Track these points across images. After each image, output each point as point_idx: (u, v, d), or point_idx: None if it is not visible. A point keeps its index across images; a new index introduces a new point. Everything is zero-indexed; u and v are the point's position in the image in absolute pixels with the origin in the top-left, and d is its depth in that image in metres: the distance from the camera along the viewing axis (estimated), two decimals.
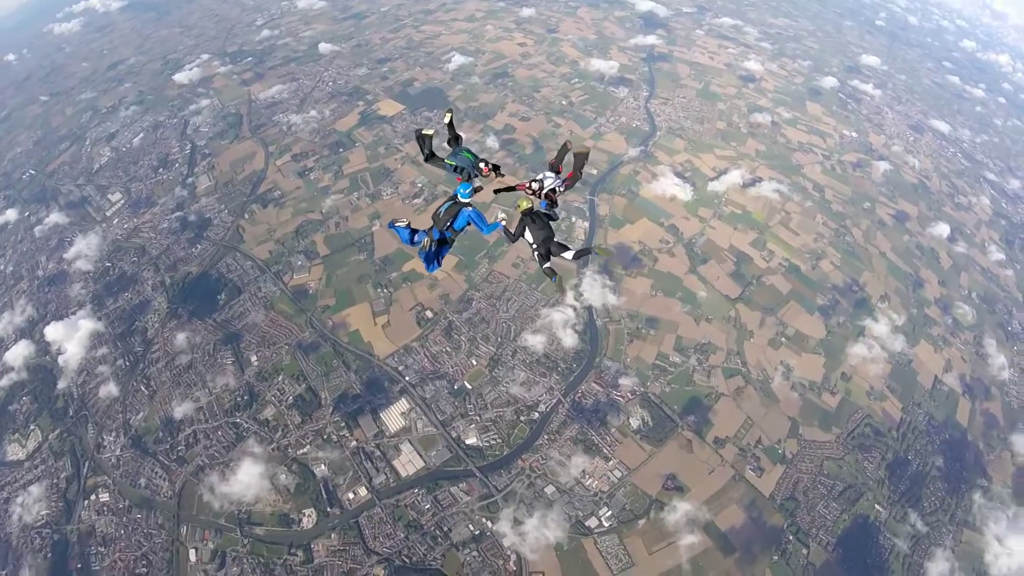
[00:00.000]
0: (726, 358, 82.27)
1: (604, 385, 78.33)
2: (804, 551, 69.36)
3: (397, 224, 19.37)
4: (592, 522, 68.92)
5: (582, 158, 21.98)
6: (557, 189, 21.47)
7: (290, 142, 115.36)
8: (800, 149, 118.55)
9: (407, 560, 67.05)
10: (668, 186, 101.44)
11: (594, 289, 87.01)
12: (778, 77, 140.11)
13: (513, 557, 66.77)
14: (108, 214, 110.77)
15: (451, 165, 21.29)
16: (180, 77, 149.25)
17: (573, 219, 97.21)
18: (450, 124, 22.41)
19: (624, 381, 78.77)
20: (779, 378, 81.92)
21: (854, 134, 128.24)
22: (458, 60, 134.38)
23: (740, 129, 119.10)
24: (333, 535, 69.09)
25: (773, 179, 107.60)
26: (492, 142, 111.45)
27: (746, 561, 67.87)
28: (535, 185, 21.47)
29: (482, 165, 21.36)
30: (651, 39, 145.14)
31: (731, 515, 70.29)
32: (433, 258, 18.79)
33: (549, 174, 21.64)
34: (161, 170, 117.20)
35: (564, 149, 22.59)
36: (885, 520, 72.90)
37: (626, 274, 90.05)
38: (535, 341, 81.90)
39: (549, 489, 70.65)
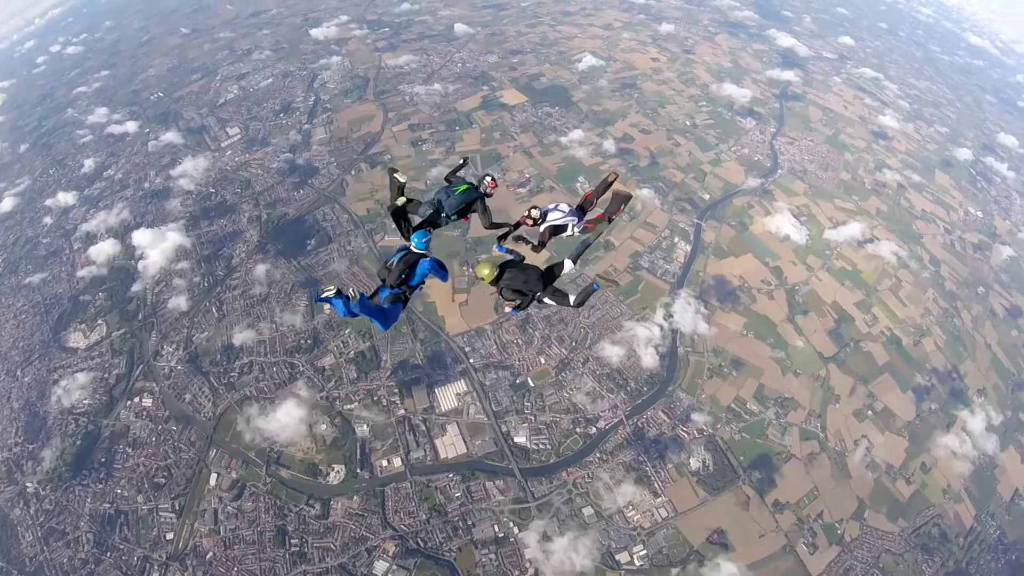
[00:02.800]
0: (806, 419, 72.89)
1: (672, 416, 70.36)
2: None
3: (325, 295, 14.80)
4: (623, 557, 61.73)
5: (620, 200, 17.72)
6: (569, 228, 17.20)
7: (410, 112, 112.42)
8: (923, 218, 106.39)
9: (421, 543, 62.28)
10: (783, 224, 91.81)
11: (686, 313, 78.84)
12: (911, 140, 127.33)
13: (531, 571, 60.49)
14: (223, 145, 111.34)
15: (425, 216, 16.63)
16: (317, 33, 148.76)
17: (676, 239, 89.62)
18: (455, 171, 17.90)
19: (694, 417, 70.59)
20: (857, 453, 71.95)
21: (979, 214, 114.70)
22: (588, 61, 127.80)
23: (864, 184, 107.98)
24: (355, 498, 64.82)
25: (891, 241, 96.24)
26: (609, 145, 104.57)
27: None
28: (535, 212, 16.94)
29: (488, 179, 17.07)
30: (787, 75, 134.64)
31: None
32: (381, 314, 15.27)
33: (563, 206, 17.33)
34: (282, 115, 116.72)
35: (606, 183, 18.01)
36: None
37: (720, 307, 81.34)
38: (612, 352, 74.62)
39: (587, 511, 63.76)
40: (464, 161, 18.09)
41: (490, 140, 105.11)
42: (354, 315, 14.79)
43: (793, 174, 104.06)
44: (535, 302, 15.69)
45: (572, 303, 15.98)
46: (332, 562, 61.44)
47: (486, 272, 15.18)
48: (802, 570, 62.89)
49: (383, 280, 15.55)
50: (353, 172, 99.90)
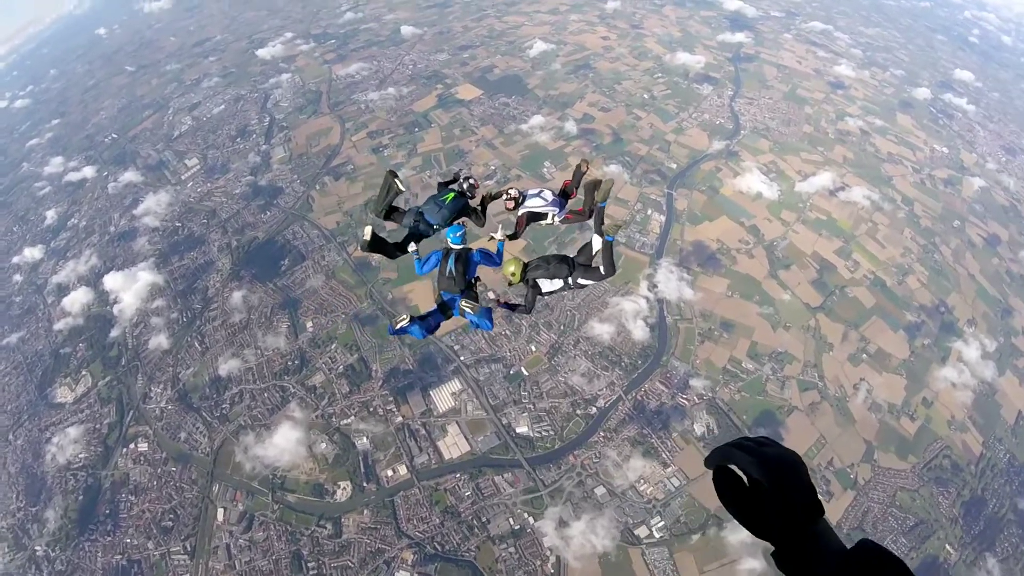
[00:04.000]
0: (803, 370, 73.33)
1: (670, 386, 70.37)
2: None
3: (399, 326, 13.63)
4: (642, 531, 61.57)
5: (592, 190, 15.39)
6: (549, 217, 15.68)
7: (367, 120, 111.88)
8: (890, 160, 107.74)
9: (439, 548, 61.53)
10: (754, 183, 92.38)
11: (669, 282, 78.88)
12: (868, 86, 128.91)
13: (552, 559, 60.05)
14: (183, 177, 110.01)
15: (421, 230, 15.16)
16: (263, 53, 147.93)
17: (649, 211, 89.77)
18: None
19: (692, 383, 70.63)
20: (857, 397, 72.56)
21: (945, 150, 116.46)
22: (540, 47, 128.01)
23: (828, 134, 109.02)
24: (366, 511, 64.01)
25: (861, 187, 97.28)
26: (571, 127, 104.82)
27: None
28: (513, 192, 15.63)
29: (471, 182, 15.93)
30: (739, 37, 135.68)
31: None
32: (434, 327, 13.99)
33: (547, 193, 15.70)
34: (239, 139, 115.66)
35: (579, 171, 16.29)
36: (955, 563, 63.67)
37: (702, 272, 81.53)
38: (602, 330, 74.41)
39: (599, 490, 63.47)
40: (455, 176, 16.51)
41: (451, 137, 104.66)
42: (433, 332, 14.08)
43: (756, 133, 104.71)
44: (570, 289, 14.82)
45: (603, 273, 14.69)
46: None
47: (512, 270, 14.30)
48: None
49: (450, 290, 14.10)
50: (318, 187, 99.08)
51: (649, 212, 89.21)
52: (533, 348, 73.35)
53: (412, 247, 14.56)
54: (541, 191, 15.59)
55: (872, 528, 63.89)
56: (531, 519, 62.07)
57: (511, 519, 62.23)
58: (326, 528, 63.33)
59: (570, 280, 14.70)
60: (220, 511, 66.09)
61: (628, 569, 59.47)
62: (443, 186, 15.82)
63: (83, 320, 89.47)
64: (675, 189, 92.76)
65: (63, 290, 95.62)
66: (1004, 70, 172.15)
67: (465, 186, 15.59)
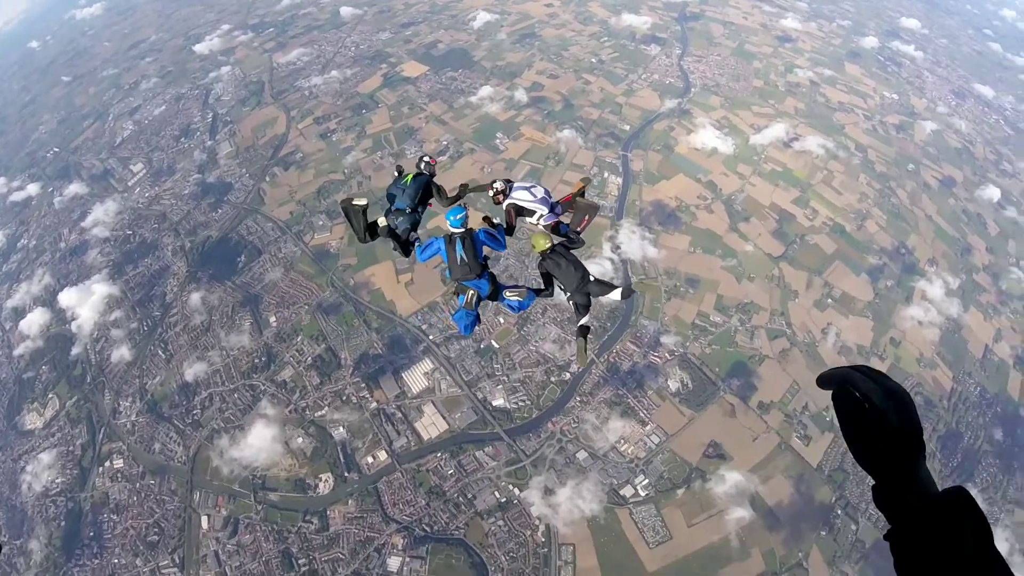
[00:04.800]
0: (770, 319, 74.63)
1: (641, 345, 71.09)
2: (853, 527, 62.27)
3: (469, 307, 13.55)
4: (627, 491, 62.38)
5: (583, 212, 15.08)
6: (536, 216, 14.70)
7: (312, 106, 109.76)
8: (841, 109, 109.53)
9: (428, 529, 61.58)
10: (708, 138, 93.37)
11: (632, 242, 79.35)
12: (815, 38, 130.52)
13: (542, 527, 60.66)
14: (130, 184, 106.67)
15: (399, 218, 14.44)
16: (201, 48, 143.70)
17: (606, 174, 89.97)
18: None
19: (663, 340, 71.46)
20: (827, 341, 74.16)
21: (895, 96, 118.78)
22: (483, 17, 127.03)
23: (778, 87, 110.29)
24: (350, 501, 63.65)
25: (815, 136, 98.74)
26: (520, 95, 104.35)
27: (792, 536, 61.01)
28: (499, 185, 14.71)
29: (427, 159, 15.45)
30: None
31: (776, 486, 63.12)
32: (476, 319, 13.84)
33: (538, 190, 14.74)
34: (183, 139, 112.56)
35: (578, 192, 15.75)
36: None
37: (663, 230, 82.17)
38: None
39: (581, 455, 64.06)
40: (399, 169, 15.97)
41: (400, 116, 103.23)
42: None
43: (707, 90, 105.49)
44: (581, 284, 13.85)
45: (618, 297, 14.36)
46: (345, 571, 60.23)
47: (543, 242, 13.53)
48: (801, 462, 64.70)
49: (466, 277, 13.52)
50: (267, 179, 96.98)
51: (606, 175, 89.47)
52: (501, 320, 73.31)
53: (412, 235, 14.31)
54: (533, 186, 14.78)
55: (853, 467, 64.75)
56: (516, 490, 62.42)
57: (496, 492, 62.47)
58: (312, 523, 62.78)
59: (568, 294, 14.22)
60: (204, 519, 65.09)
61: (617, 529, 60.25)
62: (400, 173, 15.52)
63: (43, 342, 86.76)
64: (630, 151, 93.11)
65: (19, 314, 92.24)
66: (950, 17, 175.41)
67: (422, 165, 15.26)
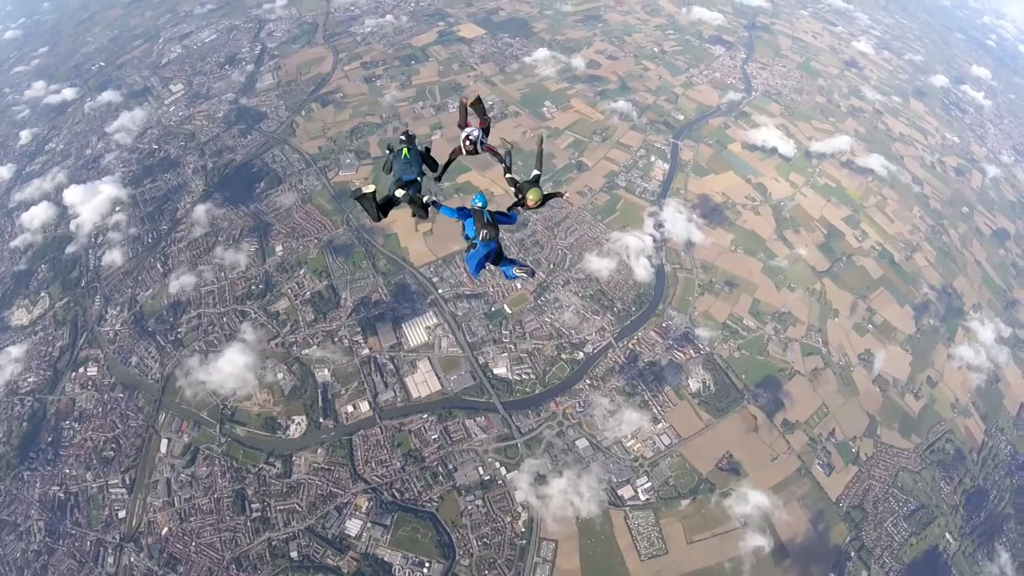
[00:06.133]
0: (806, 333, 65.75)
1: (665, 336, 61.95)
2: (864, 573, 53.91)
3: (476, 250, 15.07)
4: (626, 491, 53.80)
5: (466, 108, 17.34)
6: (482, 139, 16.51)
7: (362, 51, 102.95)
8: (901, 140, 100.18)
9: (397, 495, 53.64)
10: (771, 137, 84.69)
11: (677, 221, 70.23)
12: (882, 69, 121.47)
13: (524, 516, 52.27)
14: (166, 102, 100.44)
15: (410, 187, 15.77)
16: None
17: (653, 158, 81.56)
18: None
19: (689, 336, 62.44)
20: (862, 368, 64.90)
21: (956, 139, 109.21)
22: None
23: (840, 107, 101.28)
24: (320, 450, 55.92)
25: (879, 156, 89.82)
26: (578, 62, 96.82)
27: (798, 573, 52.41)
28: (470, 141, 16.29)
29: (409, 131, 17.80)
30: (757, 1, 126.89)
31: (790, 515, 54.35)
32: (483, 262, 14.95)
33: (468, 128, 16.47)
34: (227, 67, 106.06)
35: (463, 107, 17.46)
36: (954, 554, 56.99)
37: (706, 224, 73.21)
38: (600, 266, 66.09)
39: (582, 443, 55.58)
40: (390, 149, 16.95)
41: (448, 72, 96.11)
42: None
43: (768, 96, 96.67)
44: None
45: (538, 170, 16.87)
46: (299, 525, 52.46)
47: (537, 196, 15.47)
48: (820, 493, 55.94)
49: (488, 238, 14.96)
50: (303, 113, 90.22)
51: (653, 159, 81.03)
52: (519, 286, 64.72)
53: (427, 198, 15.61)
54: (467, 130, 16.48)
55: (873, 507, 56.81)
56: (503, 470, 54.08)
57: (481, 468, 54.28)
58: (275, 466, 55.22)
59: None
60: (164, 442, 58.24)
61: (608, 532, 51.87)
62: (390, 151, 16.65)
63: (42, 237, 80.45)
64: (681, 140, 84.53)
65: (25, 207, 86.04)
66: (1019, 76, 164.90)
67: (404, 137, 16.83)
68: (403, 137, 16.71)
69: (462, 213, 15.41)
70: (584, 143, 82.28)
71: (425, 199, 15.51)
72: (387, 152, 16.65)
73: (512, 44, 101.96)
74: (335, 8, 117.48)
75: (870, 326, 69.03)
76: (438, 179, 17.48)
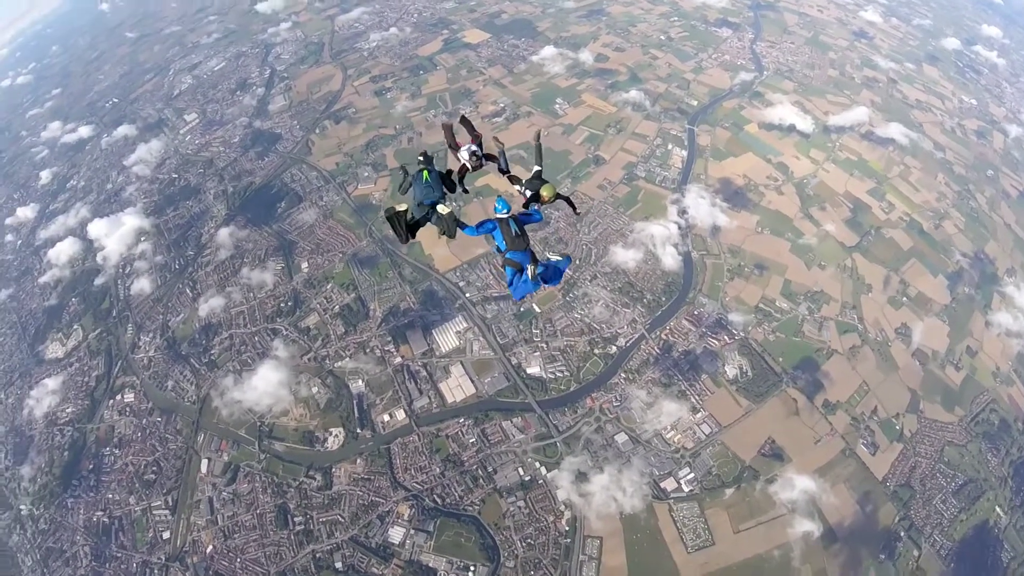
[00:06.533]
0: (841, 311, 63.57)
1: (697, 324, 60.24)
2: (915, 552, 52.00)
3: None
4: (669, 484, 52.26)
5: (451, 129, 17.56)
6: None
7: (370, 65, 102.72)
8: (918, 107, 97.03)
9: (439, 500, 52.78)
10: (781, 119, 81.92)
11: (700, 207, 68.45)
12: (892, 37, 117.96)
13: (567, 515, 51.02)
14: (181, 132, 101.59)
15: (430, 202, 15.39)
16: (263, 7, 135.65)
17: (670, 146, 79.65)
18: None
19: (723, 322, 60.61)
20: (899, 342, 62.70)
21: (973, 102, 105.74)
22: None
23: (854, 79, 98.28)
24: (359, 461, 55.25)
25: (899, 125, 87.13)
26: (586, 56, 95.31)
27: (848, 556, 50.71)
28: (476, 157, 16.42)
29: (427, 152, 16.90)
30: None
31: (837, 497, 52.43)
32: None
33: (467, 146, 16.56)
34: (238, 93, 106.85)
35: (448, 129, 17.60)
36: (1005, 528, 54.99)
37: (729, 207, 71.21)
38: (626, 257, 64.57)
39: (621, 438, 54.20)
40: (405, 171, 16.78)
41: (457, 78, 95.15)
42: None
43: (780, 74, 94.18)
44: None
45: (539, 166, 16.83)
46: (342, 536, 51.86)
47: (551, 192, 15.51)
48: (866, 473, 53.95)
49: (519, 248, 14.64)
50: (317, 131, 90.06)
51: (670, 147, 79.13)
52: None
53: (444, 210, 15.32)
54: (468, 148, 16.60)
55: (920, 485, 54.79)
56: (543, 469, 52.93)
57: (521, 469, 53.15)
58: (315, 479, 54.74)
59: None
60: (204, 462, 58.20)
61: (653, 526, 50.46)
62: (406, 174, 16.57)
63: (70, 272, 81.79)
64: (696, 125, 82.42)
65: (51, 244, 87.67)
66: None
67: (421, 159, 16.51)
68: (421, 158, 16.48)
69: (484, 227, 15.15)
70: (599, 137, 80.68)
71: (452, 220, 15.13)
72: (402, 172, 16.75)
73: (518, 45, 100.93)
74: (339, 26, 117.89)
75: (904, 299, 66.65)
76: (465, 191, 17.28)
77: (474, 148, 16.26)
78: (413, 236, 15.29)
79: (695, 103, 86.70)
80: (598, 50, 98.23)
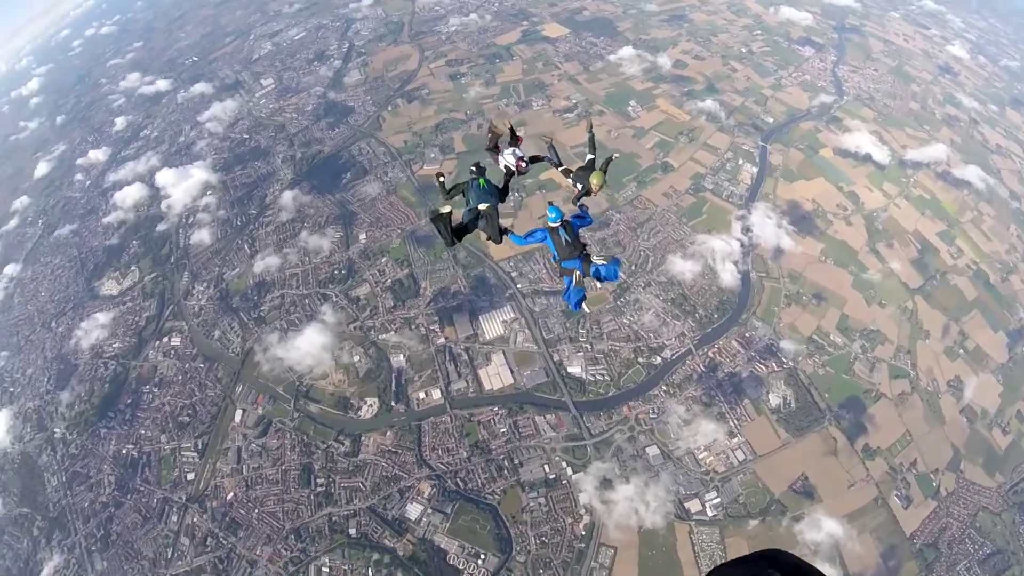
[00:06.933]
0: (895, 354, 60.32)
1: (747, 347, 58.08)
2: None
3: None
4: (693, 505, 50.55)
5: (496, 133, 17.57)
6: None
7: (447, 49, 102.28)
8: (998, 152, 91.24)
9: (461, 484, 52.24)
10: (858, 148, 78.04)
11: (766, 226, 65.82)
12: (977, 76, 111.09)
13: (586, 519, 49.81)
14: (257, 95, 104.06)
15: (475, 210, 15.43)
16: None
17: (740, 161, 76.60)
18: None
19: (773, 348, 58.11)
20: (950, 395, 59.16)
21: None
22: None
23: (935, 115, 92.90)
24: (389, 433, 55.15)
25: (976, 168, 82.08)
26: (664, 60, 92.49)
27: None
28: (523, 164, 16.45)
29: (480, 164, 16.40)
30: (846, 1, 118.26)
31: (862, 546, 49.87)
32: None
33: (510, 150, 16.55)
34: (315, 63, 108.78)
35: (494, 133, 17.66)
36: None
37: (795, 232, 68.22)
38: (684, 268, 62.52)
39: (652, 451, 52.67)
40: (450, 187, 16.42)
41: (532, 70, 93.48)
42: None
43: (860, 101, 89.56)
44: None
45: (591, 153, 16.57)
46: (360, 504, 51.91)
47: (597, 182, 15.40)
48: (894, 526, 51.22)
49: (572, 256, 14.74)
50: (389, 108, 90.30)
51: (740, 162, 76.17)
52: (599, 285, 61.13)
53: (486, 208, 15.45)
54: (515, 152, 16.54)
55: (947, 548, 51.72)
56: (569, 470, 51.82)
57: (547, 466, 52.18)
58: (344, 444, 54.90)
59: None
60: (239, 412, 58.99)
61: (670, 545, 48.93)
62: (453, 187, 16.46)
63: (134, 215, 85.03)
64: (770, 143, 79.09)
65: (118, 187, 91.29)
66: None
67: (474, 169, 16.16)
68: (473, 169, 16.20)
69: (534, 236, 15.24)
70: (670, 144, 78.16)
71: (499, 226, 15.34)
72: (438, 180, 17.23)
73: (596, 43, 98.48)
74: (420, 8, 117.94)
75: (961, 351, 62.88)
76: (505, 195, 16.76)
77: (520, 152, 16.29)
78: (460, 240, 15.35)
79: (771, 120, 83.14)
80: (677, 56, 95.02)
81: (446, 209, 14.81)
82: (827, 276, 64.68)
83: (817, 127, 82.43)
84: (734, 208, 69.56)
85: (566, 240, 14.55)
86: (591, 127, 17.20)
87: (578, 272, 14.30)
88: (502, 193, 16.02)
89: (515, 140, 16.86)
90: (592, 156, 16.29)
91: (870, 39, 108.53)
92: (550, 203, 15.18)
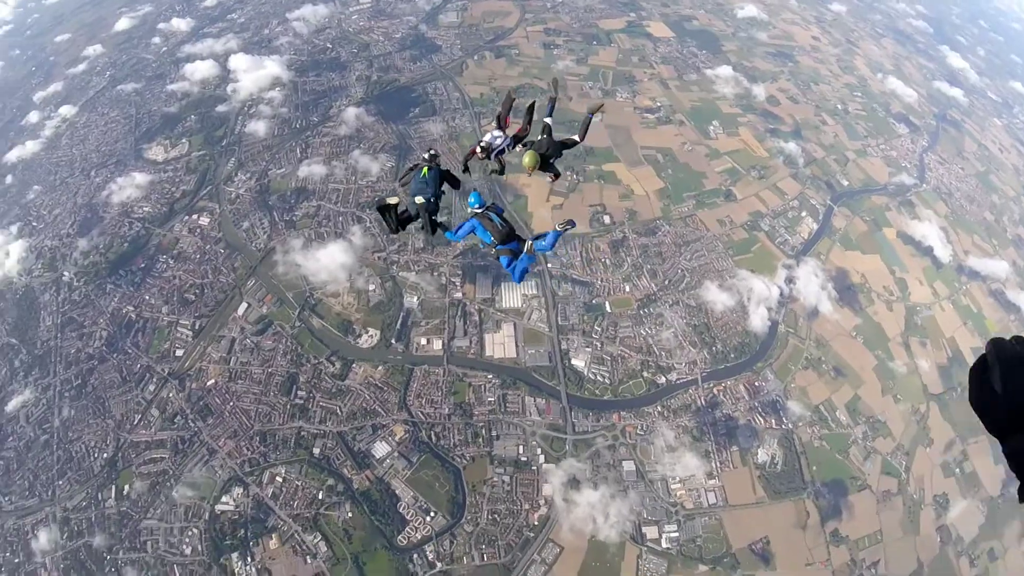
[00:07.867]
0: (893, 451, 57.51)
1: (753, 395, 55.50)
2: None
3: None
4: (651, 531, 48.71)
5: (529, 109, 16.09)
6: (506, 150, 15.83)
7: (548, 17, 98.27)
8: None
9: (433, 438, 51.06)
10: (922, 238, 74.45)
11: (810, 284, 62.96)
12: None
13: (543, 510, 48.50)
14: (350, 9, 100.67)
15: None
16: None
17: (803, 213, 73.09)
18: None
19: (777, 405, 55.61)
20: (932, 509, 56.44)
21: None
22: (750, 11, 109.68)
23: (1006, 232, 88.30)
24: (380, 368, 53.98)
25: None
26: (759, 92, 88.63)
27: None
28: (483, 143, 15.73)
29: (432, 151, 16.19)
30: (954, 92, 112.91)
31: None
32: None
33: (496, 132, 15.89)
34: None
35: (510, 99, 16.73)
36: None
37: (836, 298, 65.39)
38: (717, 298, 59.85)
39: (628, 465, 50.76)
40: (412, 167, 15.90)
41: (626, 62, 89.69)
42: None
43: (938, 194, 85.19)
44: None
45: (579, 138, 15.47)
46: (332, 427, 51.07)
47: (528, 162, 14.75)
48: None
49: (506, 239, 14.44)
50: (476, 57, 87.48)
51: (803, 214, 72.76)
52: (627, 288, 60.04)
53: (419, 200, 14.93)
54: (491, 134, 15.86)
55: None
56: (543, 458, 50.29)
57: (522, 447, 50.76)
58: (334, 365, 53.93)
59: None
60: (243, 305, 58.28)
61: (615, 564, 47.44)
62: (409, 171, 15.94)
63: (199, 90, 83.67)
64: (838, 205, 75.41)
65: (191, 60, 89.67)
66: None
67: (427, 156, 15.88)
68: (426, 156, 15.82)
69: (463, 228, 14.77)
70: (740, 174, 74.62)
71: (434, 221, 15.05)
72: (409, 168, 16.15)
73: (697, 55, 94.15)
74: None
75: (958, 470, 59.77)
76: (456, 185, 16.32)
77: (497, 142, 15.59)
78: (404, 228, 15.23)
79: (846, 183, 79.09)
80: (773, 91, 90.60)
81: (393, 201, 14.91)
82: (853, 353, 61.66)
83: (888, 205, 78.45)
84: (783, 256, 66.37)
85: (499, 225, 14.35)
86: (556, 85, 16.78)
87: (530, 242, 14.19)
88: (453, 183, 15.73)
89: (522, 129, 15.83)
90: (548, 121, 15.62)
91: (966, 137, 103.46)
92: (473, 191, 15.24)
